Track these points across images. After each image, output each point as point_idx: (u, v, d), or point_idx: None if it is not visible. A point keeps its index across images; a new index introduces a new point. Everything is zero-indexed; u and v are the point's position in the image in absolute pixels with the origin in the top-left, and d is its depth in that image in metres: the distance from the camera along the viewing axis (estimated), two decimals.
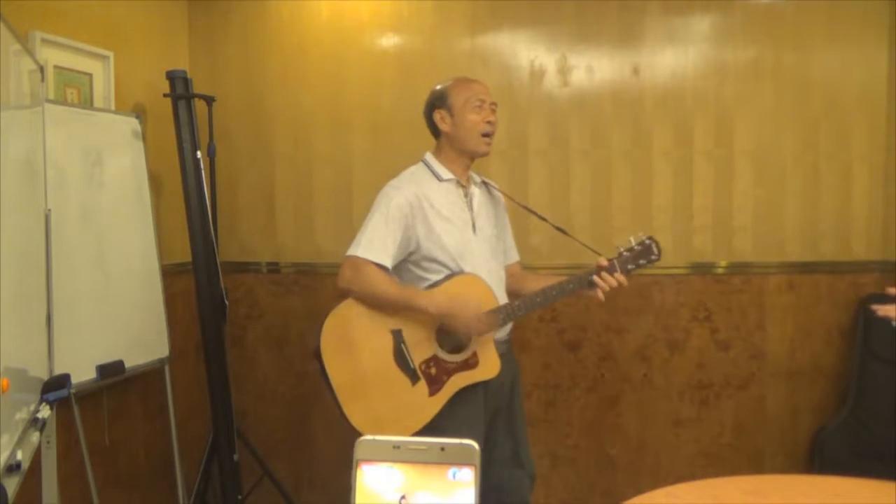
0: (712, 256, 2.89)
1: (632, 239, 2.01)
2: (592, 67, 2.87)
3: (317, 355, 1.94)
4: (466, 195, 2.06)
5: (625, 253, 1.99)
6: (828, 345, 2.90)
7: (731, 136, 2.86)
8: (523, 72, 2.88)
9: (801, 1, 2.82)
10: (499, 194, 2.21)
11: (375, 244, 1.93)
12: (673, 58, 2.85)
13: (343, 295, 1.96)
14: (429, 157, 2.09)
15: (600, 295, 1.95)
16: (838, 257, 2.89)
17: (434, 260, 1.98)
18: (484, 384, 1.99)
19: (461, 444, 0.81)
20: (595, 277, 1.94)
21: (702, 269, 2.88)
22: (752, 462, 2.90)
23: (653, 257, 2.01)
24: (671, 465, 2.90)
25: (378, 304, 1.93)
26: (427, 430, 1.92)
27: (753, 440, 2.91)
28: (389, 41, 2.94)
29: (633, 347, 2.90)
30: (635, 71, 2.86)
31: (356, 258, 1.93)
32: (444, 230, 1.97)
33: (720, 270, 2.89)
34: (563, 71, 2.88)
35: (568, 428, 2.93)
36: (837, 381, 2.89)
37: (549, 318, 2.88)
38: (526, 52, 2.88)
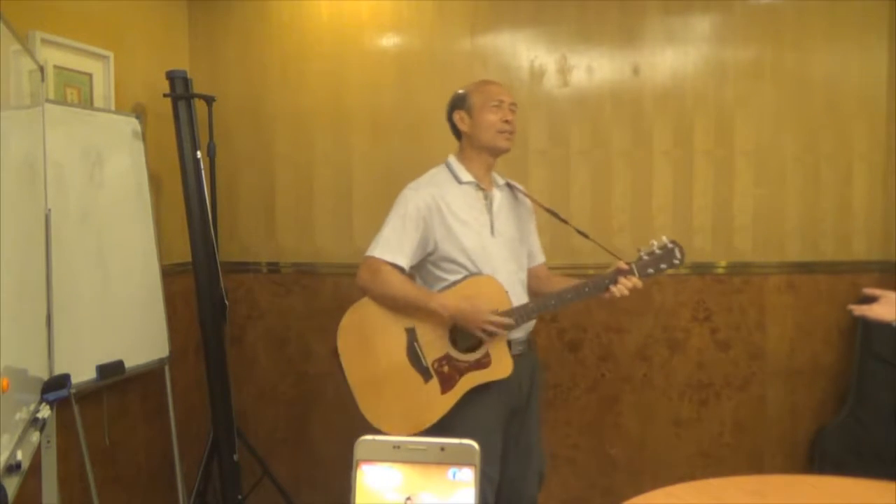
0: (712, 256, 2.89)
1: (654, 242, 2.00)
2: (592, 67, 2.87)
3: (336, 353, 2.02)
4: (486, 197, 2.07)
5: (644, 257, 1.99)
6: (827, 345, 2.90)
7: (731, 136, 2.86)
8: (523, 72, 2.88)
9: (801, 1, 2.82)
10: (524, 197, 2.20)
11: (392, 245, 1.99)
12: (673, 58, 2.85)
13: (363, 294, 2.03)
14: (451, 158, 2.12)
15: (617, 294, 1.95)
16: (838, 257, 2.89)
17: (452, 261, 2.01)
18: (498, 385, 2.00)
19: (461, 444, 0.81)
20: (619, 280, 1.94)
21: (702, 269, 2.88)
22: (752, 462, 2.90)
23: (675, 261, 1.99)
24: (671, 465, 2.90)
25: (393, 305, 1.99)
26: (438, 428, 1.95)
27: (753, 440, 2.91)
28: (389, 41, 2.94)
29: (633, 347, 2.90)
30: (635, 71, 2.86)
31: (373, 259, 1.99)
32: (461, 232, 2.00)
33: (720, 270, 2.89)
34: (563, 71, 2.88)
35: (568, 428, 2.93)
36: (837, 381, 2.89)
37: (549, 318, 2.88)
38: (526, 52, 2.88)
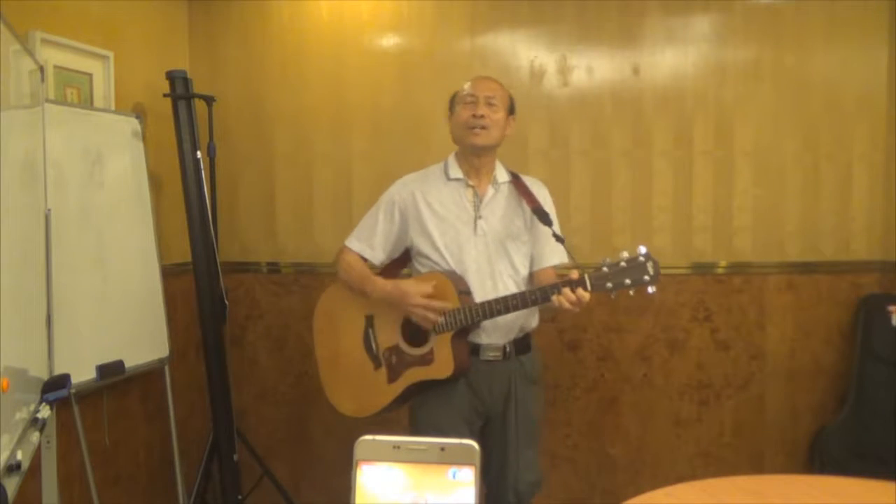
0: (712, 256, 2.89)
1: (625, 253, 1.78)
2: (592, 67, 2.87)
3: None
4: (475, 195, 2.05)
5: (605, 269, 1.79)
6: (828, 345, 2.90)
7: (731, 137, 2.86)
8: (523, 72, 2.88)
9: (801, 1, 2.82)
10: (540, 195, 2.08)
11: (360, 234, 2.11)
12: (673, 58, 2.85)
13: None
14: (450, 156, 2.12)
15: (555, 302, 1.79)
16: (838, 257, 2.88)
17: (425, 256, 2.05)
18: (469, 387, 2.00)
19: (461, 444, 0.81)
20: (555, 294, 1.80)
21: (702, 269, 2.88)
22: (752, 462, 2.90)
23: (646, 278, 1.75)
24: (671, 465, 2.90)
25: (347, 287, 2.10)
26: (399, 419, 2.01)
27: (753, 440, 2.91)
28: (389, 41, 2.94)
29: (633, 347, 2.90)
30: (635, 71, 2.86)
31: (343, 246, 2.14)
32: (436, 228, 2.02)
33: (720, 270, 2.89)
34: (563, 71, 2.88)
35: (568, 428, 2.93)
36: (837, 381, 2.89)
37: (549, 318, 2.88)
38: (526, 52, 2.88)
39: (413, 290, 1.95)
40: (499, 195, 2.07)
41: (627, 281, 1.76)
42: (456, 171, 2.06)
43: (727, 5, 2.84)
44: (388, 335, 2.04)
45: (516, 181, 2.09)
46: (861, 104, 2.85)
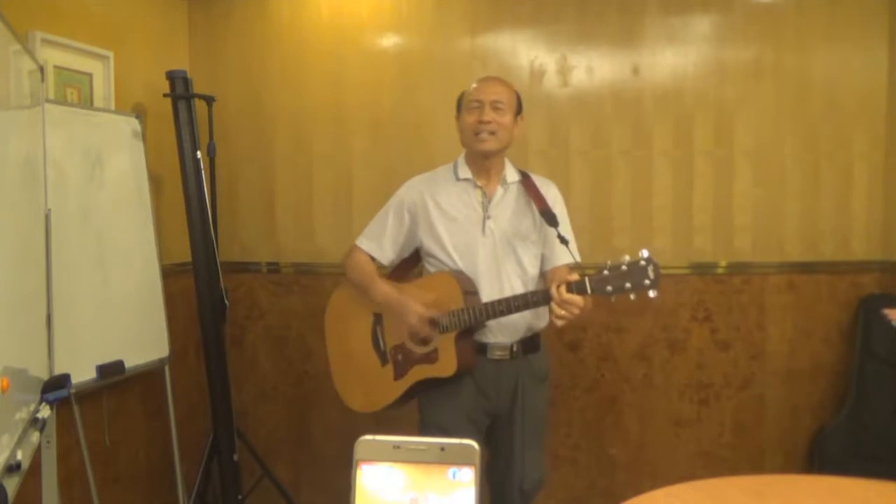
0: (712, 256, 2.89)
1: (627, 257, 1.74)
2: (592, 67, 2.87)
3: None
4: (484, 196, 2.05)
5: (606, 272, 1.75)
6: (827, 345, 2.90)
7: (731, 136, 2.86)
8: (523, 72, 2.88)
9: (801, 1, 2.82)
10: (547, 196, 2.06)
11: (370, 234, 2.14)
12: (673, 58, 2.85)
13: None
14: (460, 156, 2.13)
15: (555, 320, 1.77)
16: (838, 257, 2.88)
17: (434, 256, 2.06)
18: (475, 386, 2.01)
19: (461, 444, 0.81)
20: (553, 292, 1.76)
21: (702, 269, 2.88)
22: (752, 462, 2.90)
23: (646, 282, 1.71)
24: (671, 465, 2.90)
25: (355, 286, 2.14)
26: (401, 418, 2.05)
27: (753, 440, 2.91)
28: (389, 41, 2.94)
29: (633, 347, 2.90)
30: (635, 71, 2.86)
31: (353, 246, 2.16)
32: (445, 229, 2.03)
33: (720, 270, 2.89)
34: (563, 71, 2.88)
35: (568, 428, 2.93)
36: (837, 381, 2.89)
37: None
38: (526, 52, 2.88)
39: (413, 307, 1.97)
40: (508, 195, 2.07)
41: (628, 285, 1.73)
42: (465, 172, 2.07)
43: (727, 5, 2.84)
44: (395, 333, 2.06)
45: (526, 181, 2.09)
46: (861, 104, 2.85)
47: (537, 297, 1.86)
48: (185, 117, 2.49)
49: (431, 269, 2.09)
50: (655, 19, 2.84)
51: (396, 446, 0.81)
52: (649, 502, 1.39)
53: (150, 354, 2.46)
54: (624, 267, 1.73)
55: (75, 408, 2.12)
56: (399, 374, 2.05)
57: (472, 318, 1.92)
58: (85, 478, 2.20)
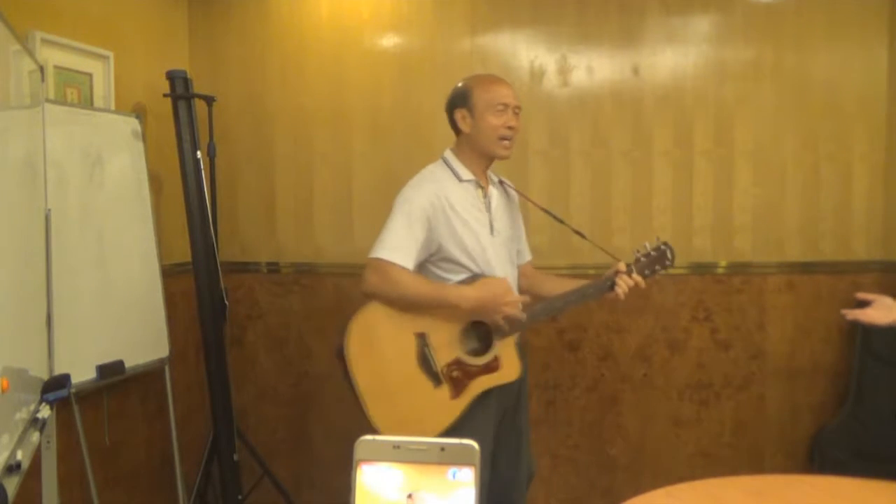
0: (712, 256, 2.89)
1: (647, 244, 2.02)
2: (592, 67, 2.87)
3: (339, 356, 1.92)
4: (485, 196, 2.03)
5: (642, 258, 2.01)
6: (827, 345, 2.90)
7: (731, 136, 2.86)
8: (523, 72, 2.88)
9: (801, 1, 2.82)
10: (514, 194, 2.18)
11: (399, 246, 1.90)
12: (673, 58, 2.85)
13: (368, 298, 1.93)
14: (448, 154, 2.04)
15: (621, 295, 1.96)
16: (838, 257, 2.88)
17: (454, 261, 1.96)
18: (496, 387, 2.00)
19: (461, 444, 0.81)
20: (618, 279, 1.96)
21: (702, 269, 2.88)
22: (752, 462, 2.90)
23: (667, 263, 2.01)
24: (671, 465, 2.90)
25: (408, 305, 1.90)
26: (447, 432, 1.91)
27: (753, 440, 2.91)
28: (389, 41, 2.94)
29: (633, 347, 2.90)
30: (635, 71, 2.86)
31: (380, 261, 1.88)
32: (463, 232, 1.95)
33: (720, 270, 2.89)
34: (563, 71, 2.88)
35: (568, 428, 2.93)
36: (837, 381, 2.89)
37: (549, 318, 2.88)
38: (526, 52, 2.88)
39: (510, 293, 1.93)
40: (499, 196, 2.09)
41: (657, 267, 2.01)
42: (467, 173, 2.01)
43: (727, 5, 2.84)
44: (447, 350, 1.93)
45: (501, 181, 2.15)
46: (861, 104, 2.85)
47: (590, 291, 1.98)
48: (185, 117, 2.49)
49: (444, 275, 1.97)
50: (655, 19, 2.84)
51: (396, 446, 0.81)
52: (649, 502, 1.39)
53: (150, 354, 2.46)
54: (652, 252, 2.01)
55: (75, 408, 2.12)
56: (457, 391, 1.92)
57: (536, 315, 1.97)
58: (85, 478, 2.20)
